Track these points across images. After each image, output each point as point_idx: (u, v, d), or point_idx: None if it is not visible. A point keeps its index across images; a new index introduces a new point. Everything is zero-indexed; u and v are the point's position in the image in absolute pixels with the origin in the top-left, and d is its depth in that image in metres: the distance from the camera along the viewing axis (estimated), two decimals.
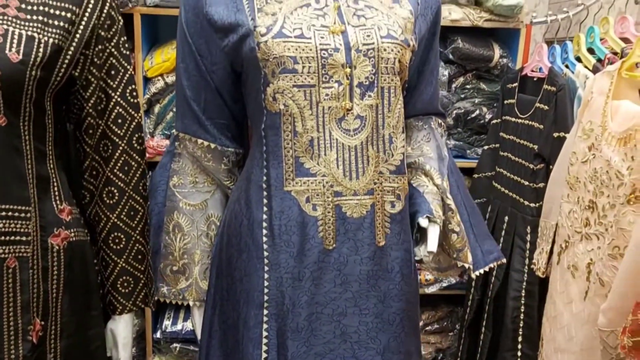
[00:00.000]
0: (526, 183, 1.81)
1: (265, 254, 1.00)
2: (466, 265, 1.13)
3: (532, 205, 1.78)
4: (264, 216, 1.01)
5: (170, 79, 1.94)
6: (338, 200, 1.00)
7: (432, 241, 1.05)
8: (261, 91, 1.00)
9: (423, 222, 1.06)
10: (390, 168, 1.03)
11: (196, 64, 1.05)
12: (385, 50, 0.98)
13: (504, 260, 1.27)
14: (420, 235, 1.09)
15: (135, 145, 1.05)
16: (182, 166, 1.11)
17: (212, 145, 1.09)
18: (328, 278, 1.00)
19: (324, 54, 0.97)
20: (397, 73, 1.01)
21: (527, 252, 1.80)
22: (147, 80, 1.99)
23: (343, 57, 0.98)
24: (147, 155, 1.40)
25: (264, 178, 1.01)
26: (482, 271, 1.19)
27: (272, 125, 1.00)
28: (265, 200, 1.01)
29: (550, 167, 1.75)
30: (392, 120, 1.02)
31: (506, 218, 1.88)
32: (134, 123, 1.05)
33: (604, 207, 1.35)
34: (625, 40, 1.78)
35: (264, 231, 1.01)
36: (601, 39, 1.83)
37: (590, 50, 1.83)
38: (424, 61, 1.15)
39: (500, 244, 1.85)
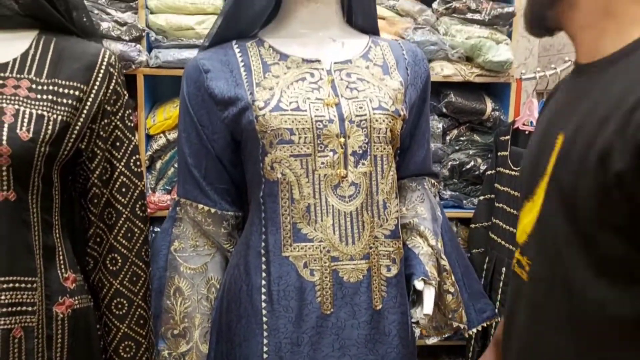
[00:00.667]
0: (513, 230, 1.84)
1: (264, 319, 1.03)
2: (461, 326, 1.15)
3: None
4: (263, 282, 1.04)
5: (172, 135, 1.99)
6: (335, 265, 1.03)
7: (428, 304, 1.07)
8: (259, 160, 1.04)
9: (419, 284, 1.08)
10: (385, 232, 1.06)
11: (197, 133, 1.09)
12: (377, 121, 1.03)
13: (498, 319, 1.29)
14: (417, 297, 1.11)
15: (139, 212, 1.09)
16: (183, 230, 1.14)
17: (213, 210, 1.12)
18: (326, 342, 1.02)
19: (319, 125, 1.01)
20: (389, 142, 1.05)
21: None
22: (149, 138, 2.05)
23: (337, 127, 1.02)
24: (149, 210, 1.44)
25: (263, 244, 1.05)
26: (475, 330, 1.21)
27: (270, 193, 1.04)
28: (263, 266, 1.04)
29: None
30: (386, 186, 1.06)
31: (503, 269, 1.90)
32: (137, 191, 1.08)
33: None
34: None
35: (263, 297, 1.03)
36: None
37: None
38: (415, 125, 1.20)
39: (499, 295, 1.87)
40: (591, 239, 0.66)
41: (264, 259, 1.04)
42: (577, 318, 0.68)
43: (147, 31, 2.05)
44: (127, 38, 2.00)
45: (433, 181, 1.25)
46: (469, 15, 2.14)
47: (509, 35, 2.19)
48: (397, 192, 1.10)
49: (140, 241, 1.09)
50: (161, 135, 2.02)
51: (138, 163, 1.09)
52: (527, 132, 1.94)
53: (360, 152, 1.03)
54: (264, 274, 1.04)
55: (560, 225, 0.69)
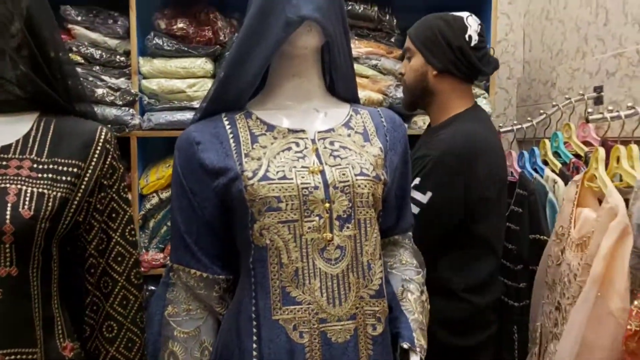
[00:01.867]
0: (509, 283, 1.88)
1: None
2: None
3: (517, 304, 1.84)
4: (254, 345, 1.07)
5: (165, 195, 2.05)
6: (323, 326, 1.07)
7: None
8: (248, 227, 1.10)
9: (405, 346, 1.13)
10: (370, 293, 1.11)
11: (189, 201, 1.15)
12: (359, 186, 1.10)
13: None
14: (403, 355, 1.15)
15: (134, 280, 1.13)
16: (176, 295, 1.18)
17: (204, 275, 1.16)
18: None
19: (305, 192, 1.08)
20: (371, 205, 1.12)
21: (516, 351, 1.85)
22: (142, 197, 2.10)
23: (322, 193, 1.08)
24: (142, 269, 1.48)
25: (253, 308, 1.09)
26: None
27: (259, 259, 1.09)
28: (254, 330, 1.08)
29: (530, 267, 1.83)
30: (370, 248, 1.11)
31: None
32: (132, 260, 1.13)
33: (565, 308, 1.43)
34: (587, 144, 1.93)
35: None
36: (565, 143, 1.97)
37: (557, 154, 1.97)
38: (401, 186, 1.27)
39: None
40: None
41: (254, 322, 1.08)
42: None
43: (140, 95, 2.13)
44: (120, 103, 2.08)
45: (410, 233, 1.33)
46: None
47: (486, 89, 2.29)
48: (380, 253, 1.15)
49: (135, 308, 1.13)
50: (154, 194, 2.08)
51: (133, 232, 1.14)
52: (508, 183, 2.01)
53: (345, 216, 1.09)
54: (255, 338, 1.08)
55: None
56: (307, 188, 1.08)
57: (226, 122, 1.16)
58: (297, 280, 1.07)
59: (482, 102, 2.24)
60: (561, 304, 1.52)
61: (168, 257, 1.26)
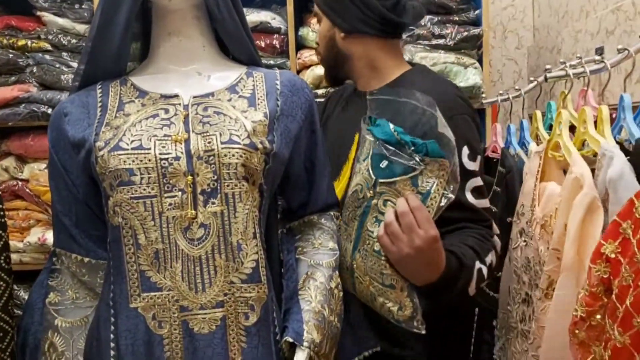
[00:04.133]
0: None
1: None
2: None
3: (496, 295, 1.64)
4: (112, 335, 0.96)
5: None
6: (184, 315, 0.94)
7: None
8: (104, 205, 0.99)
9: (288, 339, 0.99)
10: (241, 277, 0.97)
11: (63, 179, 1.05)
12: (225, 155, 0.96)
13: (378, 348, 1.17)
14: (290, 348, 1.01)
15: (3, 264, 1.05)
16: (61, 282, 1.09)
17: (86, 259, 1.06)
18: None
19: (164, 163, 0.95)
20: (243, 178, 0.97)
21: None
22: None
23: (184, 165, 0.95)
24: None
25: (111, 295, 0.98)
26: None
27: (114, 239, 0.97)
28: (112, 319, 0.97)
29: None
30: (240, 226, 0.97)
31: (476, 310, 1.74)
32: (1, 242, 1.04)
33: (536, 303, 1.22)
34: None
35: (112, 352, 0.95)
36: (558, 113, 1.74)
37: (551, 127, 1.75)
38: (309, 159, 1.12)
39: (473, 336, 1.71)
40: None
41: (112, 311, 0.97)
42: None
43: None
44: None
45: (336, 213, 1.16)
46: (434, 41, 2.06)
47: (480, 59, 2.08)
48: (255, 232, 1.00)
49: (6, 295, 1.04)
50: None
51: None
52: (495, 160, 1.81)
53: (209, 190, 0.96)
54: (112, 327, 0.96)
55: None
56: (166, 159, 0.95)
57: (99, 91, 1.05)
58: (158, 264, 0.95)
59: (473, 73, 2.03)
60: (531, 297, 1.31)
61: None
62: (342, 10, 1.32)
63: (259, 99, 1.04)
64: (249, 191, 0.98)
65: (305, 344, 0.97)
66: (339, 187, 1.24)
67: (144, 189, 0.95)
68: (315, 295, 1.04)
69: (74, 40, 2.10)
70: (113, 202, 0.96)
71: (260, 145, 0.99)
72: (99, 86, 1.06)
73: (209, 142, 0.96)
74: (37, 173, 2.04)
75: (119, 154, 0.95)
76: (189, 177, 0.95)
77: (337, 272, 1.10)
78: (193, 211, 0.95)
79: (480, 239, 1.19)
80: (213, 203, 0.96)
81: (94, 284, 1.08)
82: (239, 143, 0.97)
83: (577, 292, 1.01)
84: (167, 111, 1.00)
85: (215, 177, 0.96)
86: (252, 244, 0.98)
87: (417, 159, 1.01)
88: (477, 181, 1.22)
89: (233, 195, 0.97)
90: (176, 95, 1.02)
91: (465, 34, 2.03)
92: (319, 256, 1.11)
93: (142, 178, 0.94)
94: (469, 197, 1.21)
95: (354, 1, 1.30)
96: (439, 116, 1.04)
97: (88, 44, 1.05)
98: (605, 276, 0.90)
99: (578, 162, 1.16)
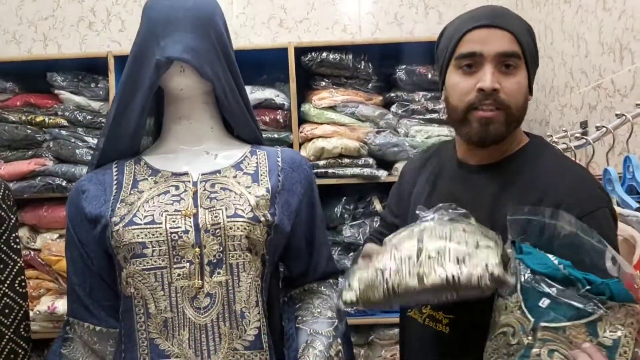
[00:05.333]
0: None
1: None
2: None
3: None
4: None
5: None
6: None
7: None
8: (118, 276, 1.06)
9: None
10: (244, 344, 1.03)
11: (79, 252, 1.13)
12: (231, 228, 1.04)
13: None
14: None
15: (22, 332, 1.11)
16: (73, 350, 1.14)
17: (98, 328, 1.12)
18: None
19: (174, 236, 1.03)
20: (246, 249, 1.05)
21: None
22: None
23: (193, 237, 1.03)
24: None
25: None
26: None
27: (126, 309, 1.04)
28: None
29: None
30: (243, 294, 1.04)
31: None
32: (21, 312, 1.11)
33: None
34: None
35: None
36: None
37: None
38: (309, 230, 1.20)
39: None
40: None
41: None
42: None
43: None
44: None
45: (335, 281, 1.23)
46: (428, 116, 2.18)
47: None
48: (258, 301, 1.07)
49: None
50: None
51: (23, 284, 1.12)
52: None
53: (215, 260, 1.03)
54: None
55: None
56: (176, 232, 1.03)
57: (115, 169, 1.15)
58: (167, 332, 1.01)
59: None
60: None
61: None
62: (535, 66, 1.06)
63: (261, 175, 1.14)
64: (252, 261, 1.06)
65: None
66: None
67: (155, 261, 1.02)
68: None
69: (89, 117, 2.22)
70: (126, 273, 1.04)
71: (262, 218, 1.07)
72: (115, 165, 1.16)
73: (216, 216, 1.05)
74: (50, 243, 2.11)
75: (133, 229, 1.03)
76: (197, 249, 1.03)
77: (337, 340, 1.15)
78: (200, 281, 1.02)
79: None
80: (219, 273, 1.03)
81: (104, 352, 1.13)
82: (243, 217, 1.05)
83: None
84: (177, 188, 1.09)
85: (221, 248, 1.03)
86: (255, 312, 1.05)
87: (596, 301, 0.80)
88: None
89: (237, 265, 1.04)
90: (186, 173, 1.12)
91: None
92: (317, 325, 1.16)
93: (153, 250, 1.02)
94: None
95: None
96: (608, 249, 0.85)
97: (108, 121, 1.16)
98: None
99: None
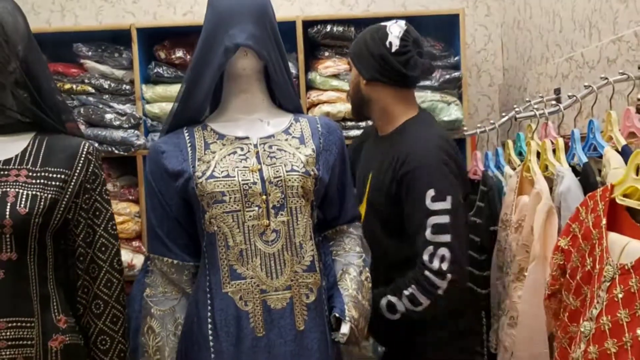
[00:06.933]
0: (477, 272, 2.05)
1: (211, 344, 1.29)
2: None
3: (483, 292, 2.01)
4: (209, 314, 1.31)
5: None
6: (264, 296, 1.30)
7: (343, 332, 1.33)
8: (201, 218, 1.34)
9: (336, 314, 1.35)
10: (302, 267, 1.33)
11: (159, 200, 1.40)
12: (289, 180, 1.33)
13: None
14: (336, 323, 1.36)
15: (116, 265, 1.38)
16: (153, 280, 1.42)
17: (175, 262, 1.40)
18: (261, 359, 1.27)
19: (245, 187, 1.31)
20: (302, 196, 1.34)
21: (484, 335, 2.01)
22: None
23: (260, 187, 1.32)
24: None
25: (207, 284, 1.32)
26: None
27: (210, 243, 1.33)
28: (209, 301, 1.31)
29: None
30: (301, 230, 1.34)
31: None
32: (114, 250, 1.38)
33: (508, 285, 1.60)
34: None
35: (209, 326, 1.30)
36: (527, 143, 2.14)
37: (520, 153, 2.14)
38: (341, 182, 1.49)
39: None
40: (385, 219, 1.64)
41: (208, 295, 1.32)
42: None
43: (144, 119, 2.42)
44: (127, 126, 2.37)
45: (359, 223, 1.53)
46: (422, 82, 2.45)
47: (460, 96, 2.48)
48: (312, 234, 1.37)
49: (118, 289, 1.37)
50: None
51: (114, 227, 1.38)
52: (476, 181, 2.19)
53: (279, 205, 1.32)
54: (209, 307, 1.31)
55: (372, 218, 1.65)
56: (247, 184, 1.31)
57: (186, 134, 1.41)
58: (242, 259, 1.30)
59: (455, 109, 2.43)
60: (505, 281, 1.69)
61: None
62: (365, 62, 1.68)
63: (306, 138, 1.42)
64: (305, 205, 1.35)
65: (347, 318, 1.33)
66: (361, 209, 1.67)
67: (232, 206, 1.31)
68: (350, 284, 1.40)
69: (113, 84, 2.44)
70: (209, 215, 1.32)
71: (312, 172, 1.36)
72: (185, 131, 1.42)
73: (277, 171, 1.33)
74: None
75: (213, 181, 1.31)
76: (264, 197, 1.31)
77: (366, 268, 1.46)
78: (267, 221, 1.31)
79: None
80: (281, 214, 1.32)
81: (180, 281, 1.42)
82: (298, 171, 1.34)
83: (544, 276, 1.39)
84: (242, 149, 1.36)
85: (283, 195, 1.32)
86: (309, 244, 1.35)
87: None
88: (440, 219, 1.51)
89: (295, 209, 1.34)
90: (247, 137, 1.39)
91: (447, 76, 2.44)
92: (349, 257, 1.48)
93: (230, 198, 1.30)
94: (428, 232, 1.51)
95: (374, 55, 1.66)
96: None
97: (179, 96, 1.42)
98: (561, 262, 1.26)
99: (540, 180, 1.55)
